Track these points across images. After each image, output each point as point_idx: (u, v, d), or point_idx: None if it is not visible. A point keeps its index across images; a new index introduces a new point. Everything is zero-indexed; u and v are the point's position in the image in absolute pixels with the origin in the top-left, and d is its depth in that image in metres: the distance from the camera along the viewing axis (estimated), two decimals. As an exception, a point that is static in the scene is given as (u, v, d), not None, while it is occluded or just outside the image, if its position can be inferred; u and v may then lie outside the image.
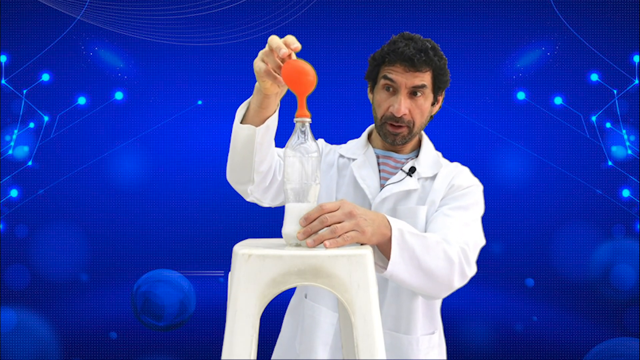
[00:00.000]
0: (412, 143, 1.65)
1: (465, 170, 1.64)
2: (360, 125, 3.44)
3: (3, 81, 3.17)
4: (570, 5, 3.17)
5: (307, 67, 1.12)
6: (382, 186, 1.58)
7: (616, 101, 3.17)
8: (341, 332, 1.24)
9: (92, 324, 3.15)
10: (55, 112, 3.20)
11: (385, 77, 1.55)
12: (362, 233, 1.13)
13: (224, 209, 3.17)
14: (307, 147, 1.09)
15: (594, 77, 3.18)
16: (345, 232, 1.10)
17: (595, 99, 3.19)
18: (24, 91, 3.18)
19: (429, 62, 1.51)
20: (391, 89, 1.55)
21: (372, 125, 1.73)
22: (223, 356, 0.96)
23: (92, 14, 3.17)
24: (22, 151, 3.19)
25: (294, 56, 1.16)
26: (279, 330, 1.77)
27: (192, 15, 3.17)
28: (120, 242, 3.17)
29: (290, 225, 1.09)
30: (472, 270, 1.39)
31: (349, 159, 1.65)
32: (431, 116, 1.64)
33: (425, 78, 1.53)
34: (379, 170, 1.62)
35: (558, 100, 3.20)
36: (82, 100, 3.21)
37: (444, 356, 1.64)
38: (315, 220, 1.09)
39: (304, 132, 1.10)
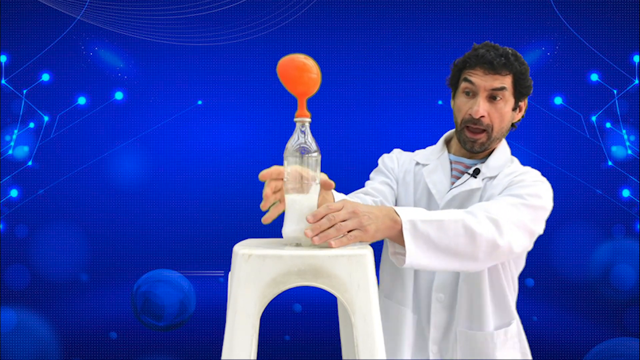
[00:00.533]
0: (488, 151, 1.64)
1: (534, 171, 1.62)
2: (360, 124, 3.44)
3: (3, 81, 3.17)
4: (570, 5, 3.17)
5: (309, 63, 1.07)
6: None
7: (616, 101, 3.17)
8: (341, 332, 1.24)
9: (92, 324, 3.15)
10: (55, 112, 3.20)
11: (465, 80, 1.58)
12: (364, 232, 1.14)
13: (224, 209, 3.17)
14: (307, 147, 1.09)
15: (594, 77, 3.18)
16: (349, 231, 1.11)
17: (595, 99, 3.19)
18: (24, 91, 3.18)
19: (509, 66, 1.54)
20: (471, 93, 1.57)
21: (450, 132, 1.74)
22: (223, 356, 0.96)
23: (92, 14, 3.17)
24: (22, 151, 3.19)
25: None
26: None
27: (192, 15, 3.17)
28: (120, 242, 3.17)
29: (291, 225, 1.09)
30: (504, 239, 1.34)
31: (424, 165, 1.68)
32: (513, 124, 1.65)
33: (505, 81, 1.55)
34: (452, 175, 1.64)
35: (558, 100, 3.20)
36: (82, 100, 3.21)
37: (526, 345, 1.65)
38: (322, 218, 1.10)
39: (304, 132, 1.10)
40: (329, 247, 1.06)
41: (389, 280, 1.68)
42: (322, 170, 1.14)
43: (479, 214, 1.34)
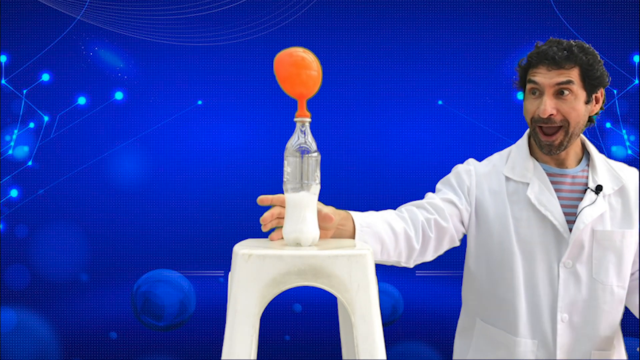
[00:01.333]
0: (576, 151, 1.58)
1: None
2: (360, 124, 3.42)
3: (3, 81, 3.17)
4: (570, 5, 3.17)
5: (309, 58, 1.03)
6: (563, 206, 1.53)
7: (616, 101, 3.17)
8: (341, 332, 1.24)
9: (92, 324, 3.15)
10: (55, 112, 3.20)
11: (530, 81, 1.53)
12: None
13: (224, 209, 3.17)
14: (307, 147, 1.09)
15: (594, 77, 3.17)
16: None
17: (595, 99, 3.19)
18: (24, 91, 3.18)
19: (573, 58, 1.48)
20: (537, 93, 1.52)
21: (528, 131, 1.66)
22: (223, 356, 0.96)
23: (92, 14, 3.17)
24: (22, 151, 3.19)
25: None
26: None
27: (192, 15, 3.17)
28: (120, 242, 3.17)
29: (291, 225, 1.09)
30: None
31: (519, 182, 1.57)
32: (592, 119, 1.55)
33: (571, 74, 1.48)
34: (554, 190, 1.55)
35: (558, 100, 3.20)
36: (82, 100, 3.21)
37: None
38: None
39: (304, 132, 1.10)
40: None
41: (484, 304, 1.61)
42: (322, 171, 1.14)
43: None
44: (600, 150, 3.19)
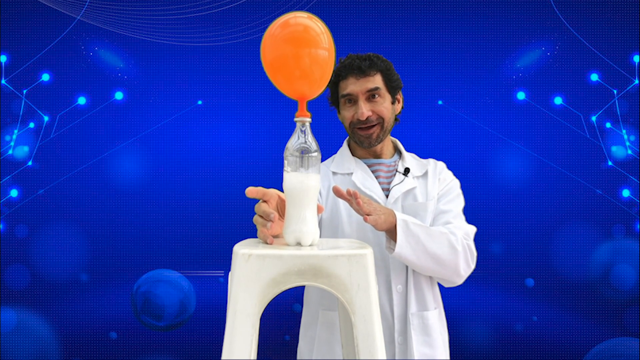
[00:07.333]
0: (390, 148, 1.88)
1: (444, 164, 1.91)
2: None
3: (3, 81, 3.17)
4: (570, 5, 3.17)
5: (315, 28, 1.14)
6: (384, 189, 1.80)
7: (616, 101, 3.17)
8: (341, 332, 1.24)
9: (92, 324, 3.15)
10: (55, 112, 3.20)
11: (343, 95, 1.77)
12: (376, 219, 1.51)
13: (224, 209, 3.17)
14: (307, 147, 1.09)
15: (594, 77, 3.17)
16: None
17: (595, 99, 3.19)
18: (24, 91, 3.18)
19: (374, 65, 1.74)
20: (352, 101, 1.77)
21: (347, 139, 1.94)
22: (223, 356, 0.96)
23: (92, 14, 3.17)
24: (22, 151, 3.19)
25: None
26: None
27: (192, 15, 3.17)
28: (120, 242, 3.17)
29: (291, 225, 1.09)
30: (474, 262, 1.70)
31: (344, 174, 1.84)
32: (396, 117, 1.85)
33: (376, 80, 1.75)
34: (374, 176, 1.83)
35: (558, 100, 3.20)
36: (82, 100, 3.21)
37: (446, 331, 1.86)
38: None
39: (304, 132, 1.10)
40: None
41: (328, 295, 1.75)
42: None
43: (459, 235, 1.66)
44: (600, 150, 3.21)
